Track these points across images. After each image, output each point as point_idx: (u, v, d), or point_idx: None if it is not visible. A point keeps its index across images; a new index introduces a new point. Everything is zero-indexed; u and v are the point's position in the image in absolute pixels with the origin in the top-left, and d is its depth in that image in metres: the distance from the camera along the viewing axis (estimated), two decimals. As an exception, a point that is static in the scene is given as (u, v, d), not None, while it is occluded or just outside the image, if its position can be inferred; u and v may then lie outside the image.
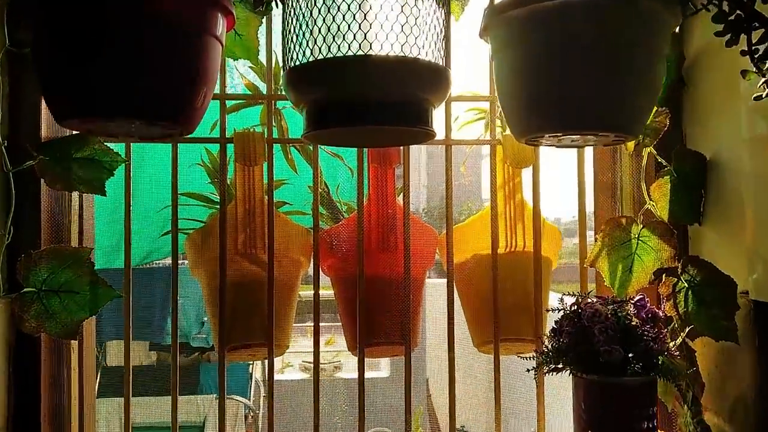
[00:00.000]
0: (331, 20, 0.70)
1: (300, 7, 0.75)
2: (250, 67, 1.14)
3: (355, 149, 1.09)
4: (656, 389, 0.91)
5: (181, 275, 1.14)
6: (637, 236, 0.97)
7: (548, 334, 0.98)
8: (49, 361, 1.00)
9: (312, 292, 1.11)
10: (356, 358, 1.10)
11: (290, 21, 0.76)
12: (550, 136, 0.78)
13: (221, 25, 0.79)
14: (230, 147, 1.08)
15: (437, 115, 0.81)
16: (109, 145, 0.97)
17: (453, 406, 1.11)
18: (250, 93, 1.15)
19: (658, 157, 1.00)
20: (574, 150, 1.09)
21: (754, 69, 0.67)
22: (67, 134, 0.99)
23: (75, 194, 1.05)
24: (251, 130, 1.08)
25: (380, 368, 4.53)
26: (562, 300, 0.98)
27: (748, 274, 0.88)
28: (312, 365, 1.07)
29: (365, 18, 0.70)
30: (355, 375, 1.09)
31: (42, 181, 0.95)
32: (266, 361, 1.07)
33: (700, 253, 1.00)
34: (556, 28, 0.72)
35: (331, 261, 1.12)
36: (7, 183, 0.92)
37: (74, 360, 1.04)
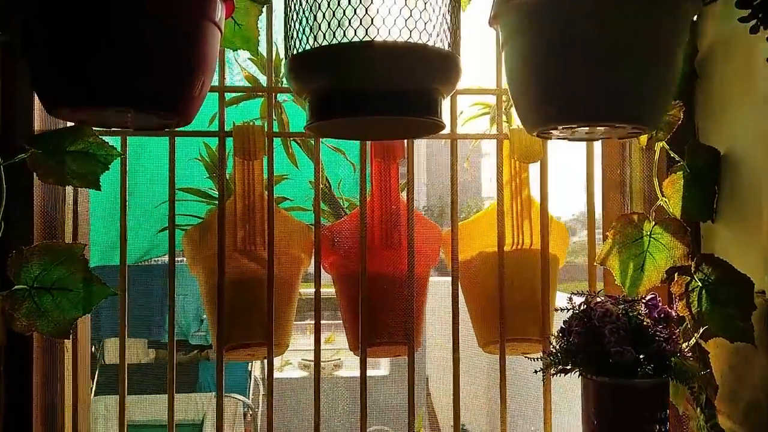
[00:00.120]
0: (336, 5, 0.67)
1: (303, -9, 0.71)
2: (249, 59, 1.12)
3: (358, 143, 1.06)
4: (668, 391, 0.88)
5: (180, 272, 1.12)
6: (649, 233, 0.95)
7: (556, 335, 0.95)
8: (42, 360, 0.97)
9: (311, 289, 1.09)
10: (356, 357, 1.07)
11: (293, 6, 0.72)
12: (563, 128, 0.75)
13: (220, 11, 0.76)
14: (229, 141, 1.05)
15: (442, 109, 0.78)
16: (105, 138, 0.94)
17: (457, 407, 1.09)
18: (249, 85, 1.12)
19: (670, 151, 0.97)
20: (576, 145, 1.06)
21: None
22: (61, 127, 0.96)
23: (69, 189, 1.02)
24: (251, 123, 1.05)
25: (380, 367, 4.51)
26: (570, 299, 0.95)
27: (764, 273, 0.85)
28: (311, 363, 1.05)
29: (372, 2, 0.67)
30: (354, 373, 1.07)
31: (35, 175, 0.92)
32: (266, 360, 1.05)
33: (713, 251, 0.97)
34: (572, 14, 0.68)
35: (332, 258, 1.09)
36: (-2, 176, 0.89)
37: (68, 359, 1.01)
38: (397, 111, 0.69)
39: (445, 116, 0.77)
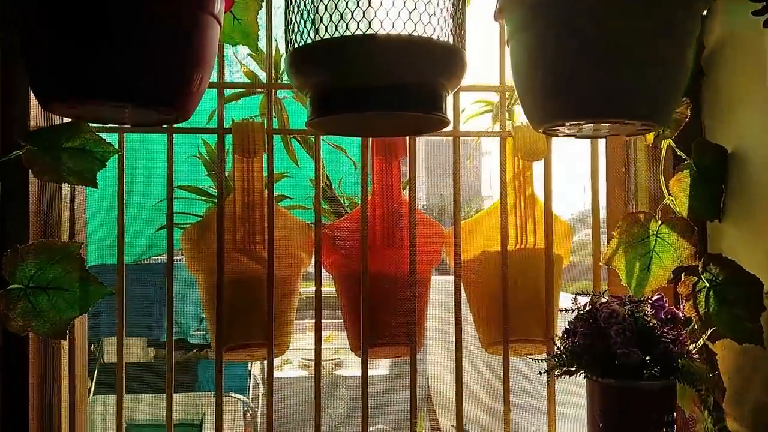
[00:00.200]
0: (338, -4, 0.65)
1: (304, -17, 0.70)
2: (249, 54, 1.10)
3: (359, 141, 1.05)
4: (675, 394, 0.87)
5: (180, 270, 1.10)
6: (655, 233, 0.93)
7: (560, 335, 0.94)
8: (38, 361, 0.96)
9: (310, 288, 1.07)
10: (356, 356, 1.05)
11: (293, -1, 0.71)
12: (571, 125, 0.73)
13: (219, 3, 0.75)
14: (228, 138, 1.03)
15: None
16: (102, 135, 0.92)
17: (460, 408, 1.07)
18: (249, 81, 1.11)
19: (677, 149, 0.95)
20: (575, 142, 1.04)
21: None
22: (58, 123, 0.95)
23: (66, 186, 1.00)
24: (250, 120, 1.03)
25: (380, 366, 4.49)
26: (575, 299, 0.94)
27: (774, 274, 0.83)
28: (311, 362, 1.03)
29: (375, -6, 0.65)
30: (354, 372, 1.05)
31: (30, 172, 0.90)
32: (266, 360, 1.03)
33: (720, 251, 0.96)
34: (579, 7, 0.67)
35: (333, 258, 1.08)
36: (-8, 174, 0.88)
37: (64, 359, 1.00)
38: (401, 106, 0.67)
39: (448, 113, 0.76)
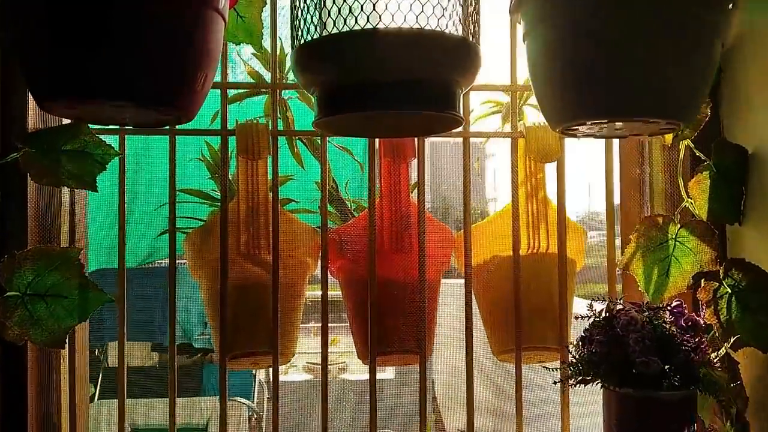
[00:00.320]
0: (347, -11, 0.62)
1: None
2: (253, 54, 1.08)
3: (365, 142, 1.02)
4: (696, 404, 0.83)
5: (183, 275, 1.08)
6: (674, 237, 0.90)
7: (575, 343, 0.90)
8: (36, 369, 0.93)
9: (314, 292, 1.05)
10: (363, 363, 1.03)
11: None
12: (592, 124, 0.70)
13: (224, -1, 0.72)
14: (232, 140, 1.01)
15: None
16: (103, 138, 0.90)
17: (471, 415, 1.04)
18: (253, 81, 1.08)
19: (695, 150, 0.92)
20: (580, 143, 1.01)
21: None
22: (57, 125, 0.92)
23: (66, 190, 0.98)
24: (255, 121, 1.01)
25: (385, 370, 4.46)
26: (591, 306, 0.91)
27: (799, 279, 0.80)
28: (316, 366, 1.01)
29: (385, -14, 0.62)
30: (360, 377, 1.03)
31: (28, 175, 0.88)
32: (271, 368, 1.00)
33: (739, 255, 0.92)
34: (604, 0, 0.63)
35: (340, 263, 1.05)
36: (-11, 177, 0.85)
37: (64, 368, 0.97)
38: (413, 104, 0.64)
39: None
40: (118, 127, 0.97)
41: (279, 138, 1.02)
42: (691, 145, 0.92)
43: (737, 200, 0.91)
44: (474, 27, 0.67)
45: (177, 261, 1.03)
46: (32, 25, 0.70)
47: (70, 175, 0.87)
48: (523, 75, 1.06)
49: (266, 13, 0.99)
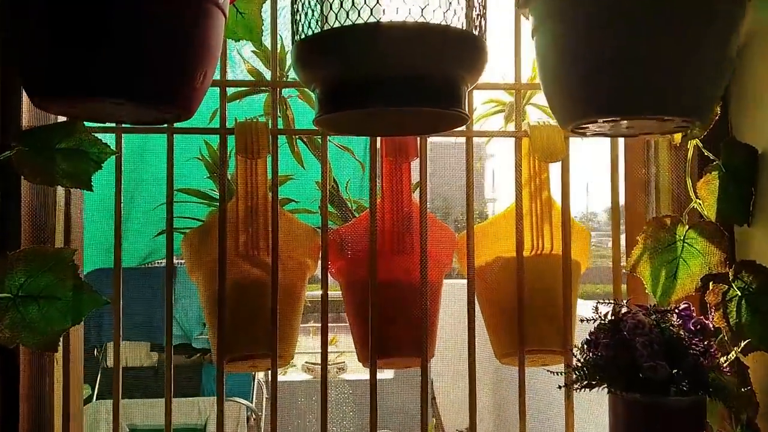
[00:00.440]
0: (348, -18, 0.60)
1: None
2: (253, 51, 1.06)
3: (367, 141, 1.00)
4: (705, 410, 0.82)
5: (183, 274, 1.06)
6: (682, 238, 0.88)
7: (580, 346, 0.89)
8: (29, 372, 0.91)
9: (313, 292, 1.03)
10: (364, 366, 1.01)
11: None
12: (603, 122, 0.68)
13: (224, -8, 0.70)
14: (231, 139, 0.99)
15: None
16: (99, 136, 0.88)
17: (473, 419, 1.02)
18: (253, 79, 1.06)
19: (704, 149, 0.90)
20: (580, 143, 1.00)
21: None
22: (52, 123, 0.90)
23: (61, 189, 0.96)
24: (254, 120, 0.99)
25: (385, 370, 4.44)
26: (596, 308, 0.89)
27: (810, 282, 0.78)
28: (315, 366, 0.99)
29: (388, -21, 0.60)
30: (359, 376, 1.01)
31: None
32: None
33: (748, 257, 0.90)
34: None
35: (340, 264, 1.03)
36: (-20, 177, 0.83)
37: (57, 371, 0.95)
38: (418, 101, 0.62)
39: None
40: (114, 125, 0.95)
41: (279, 137, 1.00)
42: (700, 144, 0.90)
43: (746, 201, 0.89)
44: (480, 21, 0.65)
45: (176, 261, 1.01)
46: (30, 22, 0.69)
47: (64, 174, 0.85)
48: (526, 74, 1.04)
49: (266, 10, 0.97)
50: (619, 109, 0.65)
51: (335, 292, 1.06)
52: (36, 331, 0.80)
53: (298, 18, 0.66)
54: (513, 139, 1.03)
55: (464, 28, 0.64)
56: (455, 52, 0.63)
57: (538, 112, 1.11)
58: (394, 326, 0.99)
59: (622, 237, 1.04)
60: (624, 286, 1.06)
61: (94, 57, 0.67)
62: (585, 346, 0.88)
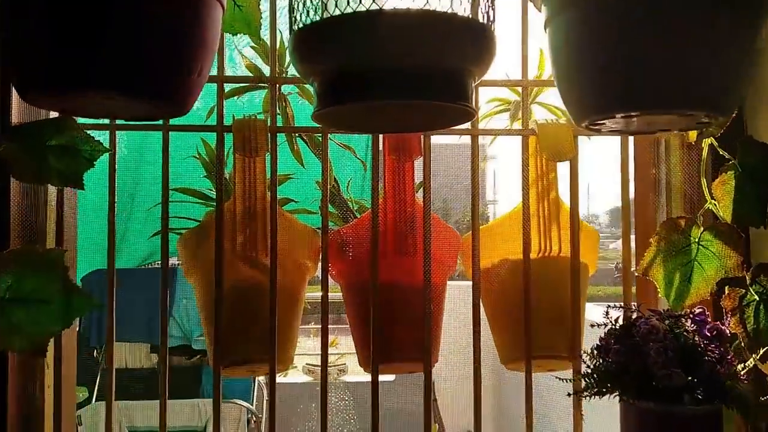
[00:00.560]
0: (350, -34, 0.57)
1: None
2: (251, 46, 1.03)
3: (368, 139, 0.97)
4: (721, 420, 0.78)
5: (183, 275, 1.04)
6: (697, 240, 0.85)
7: (590, 352, 0.85)
8: (20, 374, 0.88)
9: (313, 293, 1.00)
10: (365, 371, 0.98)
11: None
12: (622, 117, 0.64)
13: (221, -18, 0.67)
14: (229, 137, 0.96)
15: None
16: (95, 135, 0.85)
17: (479, 422, 0.99)
18: (251, 75, 1.03)
19: (719, 149, 0.87)
20: (585, 143, 0.97)
21: None
22: (42, 119, 0.87)
23: (53, 188, 0.93)
24: (252, 117, 0.96)
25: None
26: (607, 313, 0.86)
27: (831, 287, 0.75)
28: (316, 368, 0.96)
29: (391, -36, 0.56)
30: (360, 378, 0.98)
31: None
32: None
33: (765, 260, 0.87)
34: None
35: (341, 266, 1.00)
36: (-32, 175, 0.80)
37: (48, 375, 0.92)
38: (422, 94, 0.58)
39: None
40: (108, 122, 0.92)
41: (278, 135, 0.98)
42: (715, 143, 0.87)
43: (764, 201, 0.85)
44: (489, 9, 0.62)
45: (176, 262, 0.99)
46: (19, 14, 0.67)
47: (55, 173, 0.82)
48: (532, 72, 1.01)
49: (265, 2, 0.94)
50: (641, 103, 0.61)
51: (336, 294, 1.03)
52: (24, 335, 0.77)
53: (296, 6, 0.63)
54: (518, 139, 1.00)
55: (472, 17, 0.60)
56: (462, 41, 0.60)
57: (544, 111, 1.09)
58: (396, 330, 0.97)
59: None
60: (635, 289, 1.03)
61: (84, 48, 0.64)
62: (595, 352, 0.85)
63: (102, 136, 0.88)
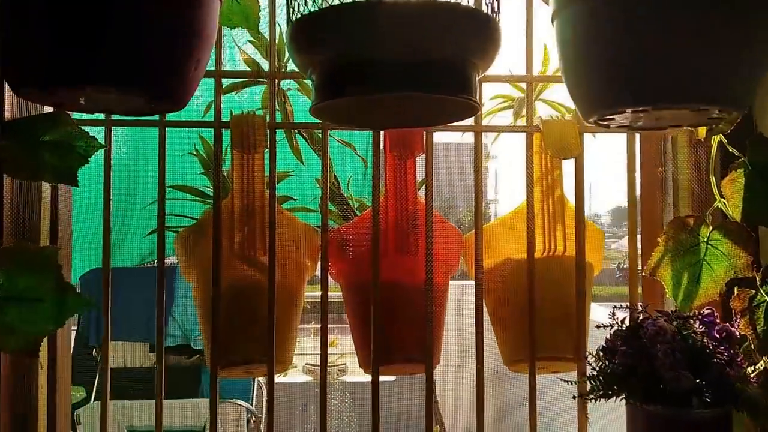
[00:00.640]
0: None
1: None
2: (249, 40, 1.01)
3: (369, 135, 0.95)
4: (731, 424, 0.76)
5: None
6: (706, 240, 0.83)
7: (596, 354, 0.84)
8: (13, 373, 0.87)
9: (314, 293, 0.99)
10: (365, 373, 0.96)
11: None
12: (632, 112, 0.63)
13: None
14: (227, 133, 0.95)
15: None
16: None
17: (481, 423, 0.97)
18: (249, 70, 1.01)
19: (729, 146, 0.85)
20: (585, 143, 0.94)
21: None
22: (36, 114, 0.86)
23: (47, 185, 0.91)
24: (251, 113, 0.94)
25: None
26: (613, 314, 0.84)
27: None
28: (315, 368, 0.95)
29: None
30: (360, 378, 0.97)
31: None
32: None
33: (773, 260, 0.85)
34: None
35: (341, 265, 0.98)
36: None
37: (42, 375, 0.90)
38: (424, 86, 0.57)
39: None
40: (103, 117, 0.91)
41: (277, 131, 0.97)
42: (725, 140, 0.85)
43: (774, 200, 0.83)
44: (494, 0, 0.60)
45: (174, 261, 0.97)
46: (12, 6, 0.65)
47: (49, 169, 0.80)
48: (536, 68, 1.00)
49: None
50: (654, 98, 0.59)
51: (336, 293, 1.02)
52: (16, 334, 0.75)
53: (294, -5, 0.61)
54: (521, 136, 0.98)
55: (476, 7, 0.58)
56: (465, 32, 0.58)
57: (548, 108, 1.07)
58: (397, 330, 0.95)
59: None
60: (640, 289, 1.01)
61: (78, 41, 0.63)
62: (601, 354, 0.83)
63: (99, 134, 0.87)
